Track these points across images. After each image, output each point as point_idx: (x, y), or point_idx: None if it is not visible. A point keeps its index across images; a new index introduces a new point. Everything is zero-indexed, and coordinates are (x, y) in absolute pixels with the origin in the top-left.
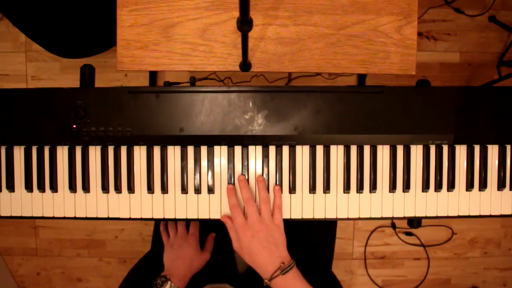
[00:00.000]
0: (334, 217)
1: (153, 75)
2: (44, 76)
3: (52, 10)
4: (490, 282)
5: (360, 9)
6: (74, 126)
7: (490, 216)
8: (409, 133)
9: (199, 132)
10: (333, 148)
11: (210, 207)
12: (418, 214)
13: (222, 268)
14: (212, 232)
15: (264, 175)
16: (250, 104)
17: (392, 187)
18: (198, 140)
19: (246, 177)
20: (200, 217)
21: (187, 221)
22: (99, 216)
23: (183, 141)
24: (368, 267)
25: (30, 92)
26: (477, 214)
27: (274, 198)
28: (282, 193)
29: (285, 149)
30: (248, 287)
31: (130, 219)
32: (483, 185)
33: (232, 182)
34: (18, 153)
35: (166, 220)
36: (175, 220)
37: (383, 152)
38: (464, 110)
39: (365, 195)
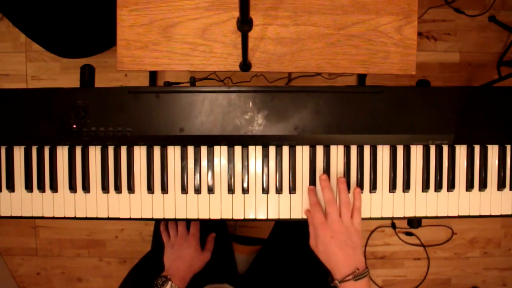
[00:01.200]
0: (359, 192)
1: (153, 75)
2: (44, 76)
3: (52, 10)
4: (490, 282)
5: (360, 9)
6: (74, 126)
7: (490, 216)
8: (409, 133)
9: (199, 132)
10: (333, 148)
11: (210, 207)
12: (418, 214)
13: (222, 268)
14: (212, 232)
15: (264, 175)
16: (250, 104)
17: (392, 187)
18: (198, 140)
19: (247, 177)
20: (200, 217)
21: (188, 221)
22: (99, 216)
23: (183, 141)
24: (368, 267)
25: (30, 92)
26: (477, 214)
27: (354, 200)
28: (362, 193)
29: (285, 149)
30: (248, 287)
31: (130, 219)
32: (483, 185)
33: (233, 183)
34: (18, 153)
35: (166, 220)
36: (175, 220)
37: (383, 152)
38: (464, 110)
39: (365, 195)
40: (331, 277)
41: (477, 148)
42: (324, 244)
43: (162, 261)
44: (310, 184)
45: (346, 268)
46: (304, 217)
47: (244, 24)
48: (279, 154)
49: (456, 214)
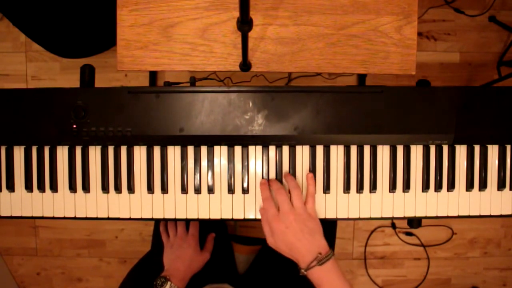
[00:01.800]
0: (334, 217)
1: (153, 75)
2: (44, 76)
3: (52, 10)
4: (490, 282)
5: (360, 9)
6: (74, 126)
7: (490, 216)
8: (409, 133)
9: (199, 132)
10: (333, 148)
11: (210, 207)
12: (418, 214)
13: (222, 268)
14: (212, 232)
15: (264, 175)
16: (250, 104)
17: (392, 187)
18: (198, 140)
19: (247, 177)
20: (200, 217)
21: (187, 222)
22: (99, 216)
23: (183, 141)
24: (368, 267)
25: (30, 92)
26: (477, 214)
27: (307, 186)
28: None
29: (285, 149)
30: (248, 287)
31: (130, 219)
32: (483, 185)
33: (233, 183)
34: (18, 153)
35: (166, 220)
36: (175, 220)
37: (383, 152)
38: (464, 110)
39: (365, 195)
40: (298, 267)
41: (477, 148)
42: (281, 237)
43: (162, 261)
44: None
45: (308, 255)
46: None
47: (244, 24)
48: (279, 154)
49: (456, 214)
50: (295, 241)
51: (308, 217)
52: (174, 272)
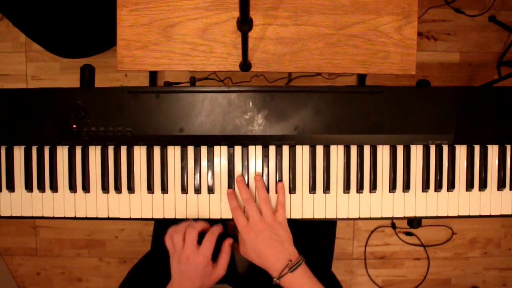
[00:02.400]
0: (334, 217)
1: (153, 75)
2: (44, 76)
3: (52, 10)
4: (490, 282)
5: (360, 9)
6: (74, 126)
7: (490, 216)
8: (409, 133)
9: (199, 132)
10: (333, 148)
11: (210, 207)
12: (418, 214)
13: None
14: (229, 237)
15: (264, 175)
16: (250, 104)
17: (392, 187)
18: (198, 140)
19: (246, 178)
20: (200, 217)
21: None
22: (99, 216)
23: (183, 141)
24: (368, 267)
25: (30, 92)
26: (477, 214)
27: (277, 195)
28: (285, 190)
29: (285, 149)
30: (247, 287)
31: (130, 219)
32: (483, 185)
33: (232, 184)
34: (18, 153)
35: (166, 220)
36: (174, 220)
37: (383, 152)
38: (464, 110)
39: (365, 195)
40: (271, 277)
41: (477, 148)
42: (252, 246)
43: (162, 262)
44: (309, 187)
45: (279, 263)
46: (305, 216)
47: (244, 24)
48: (279, 154)
49: (456, 214)
50: (265, 249)
51: (278, 225)
52: None
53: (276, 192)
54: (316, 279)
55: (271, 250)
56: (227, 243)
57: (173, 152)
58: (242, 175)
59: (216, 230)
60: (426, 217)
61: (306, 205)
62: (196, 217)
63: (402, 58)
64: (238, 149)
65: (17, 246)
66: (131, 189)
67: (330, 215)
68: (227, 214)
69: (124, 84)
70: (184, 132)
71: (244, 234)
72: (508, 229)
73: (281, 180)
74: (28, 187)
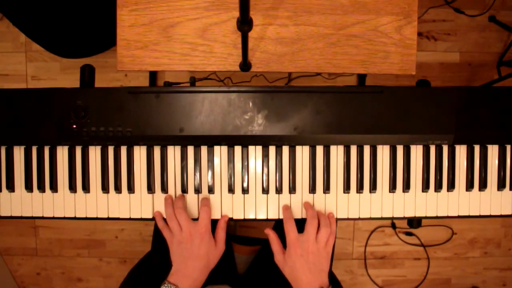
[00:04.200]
0: (334, 217)
1: (153, 75)
2: (44, 76)
3: (52, 10)
4: (490, 282)
5: (360, 9)
6: (74, 126)
7: (490, 216)
8: (409, 133)
9: (199, 132)
10: (333, 148)
11: (211, 207)
12: (418, 214)
13: (222, 269)
14: (225, 215)
15: (264, 175)
16: (250, 104)
17: (392, 187)
18: (198, 140)
19: (247, 177)
20: None
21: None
22: (99, 216)
23: (183, 141)
24: (368, 267)
25: (30, 92)
26: (477, 214)
27: (331, 224)
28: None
29: (285, 149)
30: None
31: (130, 219)
32: (483, 185)
33: (233, 183)
34: (18, 153)
35: (166, 220)
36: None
37: (383, 152)
38: (464, 110)
39: (365, 195)
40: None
41: (477, 148)
42: (293, 261)
43: (163, 262)
44: (309, 187)
45: (309, 286)
46: (305, 216)
47: (244, 24)
48: (279, 154)
49: (456, 214)
50: (304, 271)
51: (325, 255)
52: (185, 278)
53: (329, 221)
54: None
55: (308, 273)
56: (222, 220)
57: (173, 152)
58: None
59: (205, 200)
60: (426, 217)
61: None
62: (196, 217)
63: (402, 58)
64: (238, 149)
65: (17, 246)
66: (131, 189)
67: None
68: (227, 214)
69: (124, 84)
70: (184, 132)
71: (291, 247)
72: (508, 229)
73: (279, 183)
74: (28, 187)
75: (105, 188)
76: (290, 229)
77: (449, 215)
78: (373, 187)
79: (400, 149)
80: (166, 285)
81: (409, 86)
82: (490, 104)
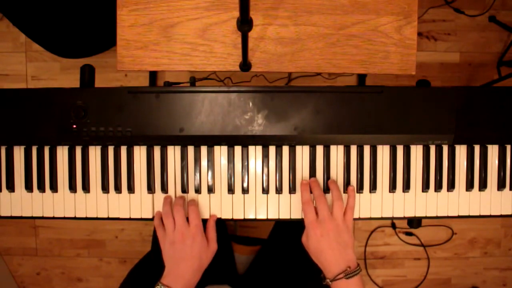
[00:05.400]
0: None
1: (153, 75)
2: (44, 76)
3: (52, 10)
4: (490, 282)
5: (360, 9)
6: (74, 126)
7: (490, 216)
8: (409, 133)
9: (199, 132)
10: (333, 148)
11: (210, 207)
12: (418, 214)
13: (222, 269)
14: (213, 214)
15: (264, 175)
16: (250, 104)
17: (392, 187)
18: (198, 140)
19: (247, 177)
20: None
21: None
22: (99, 216)
23: (183, 141)
24: (368, 267)
25: (30, 92)
26: (477, 214)
27: (348, 198)
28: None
29: (285, 149)
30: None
31: (130, 219)
32: (483, 185)
33: (233, 183)
34: (18, 153)
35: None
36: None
37: (383, 152)
38: (464, 110)
39: (365, 195)
40: (323, 276)
41: (477, 148)
42: (315, 242)
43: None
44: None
45: (337, 266)
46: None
47: (244, 24)
48: (279, 154)
49: (456, 214)
50: (328, 250)
51: (345, 229)
52: (178, 278)
53: (347, 195)
54: None
55: (333, 252)
56: (211, 219)
57: (173, 152)
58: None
59: (191, 201)
60: (426, 217)
61: None
62: None
63: (402, 58)
64: (238, 149)
65: (17, 246)
66: (131, 189)
67: None
68: (227, 214)
69: (124, 84)
70: (184, 132)
71: (311, 229)
72: (508, 229)
73: (279, 183)
74: (28, 187)
75: (105, 188)
76: (309, 212)
77: (449, 215)
78: (373, 187)
79: (400, 149)
80: (159, 286)
81: (409, 86)
82: (490, 104)
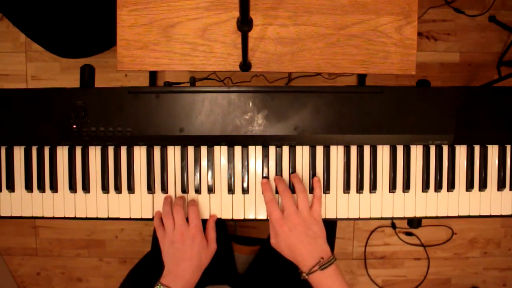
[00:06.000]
0: (334, 217)
1: (153, 75)
2: (44, 76)
3: (52, 10)
4: (490, 282)
5: (360, 9)
6: (74, 126)
7: (490, 216)
8: (409, 133)
9: (199, 132)
10: (333, 148)
11: (210, 207)
12: (418, 214)
13: (222, 269)
14: (213, 214)
15: (264, 175)
16: (250, 104)
17: (392, 187)
18: (198, 140)
19: (247, 177)
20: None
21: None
22: (99, 216)
23: (183, 141)
24: (368, 267)
25: (30, 92)
26: (477, 214)
27: (314, 190)
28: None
29: (285, 149)
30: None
31: (130, 219)
32: (483, 185)
33: (233, 183)
34: (18, 153)
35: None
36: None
37: (383, 152)
38: (464, 110)
39: (365, 195)
40: (300, 271)
41: (477, 148)
42: (284, 239)
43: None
44: (309, 187)
45: (311, 259)
46: None
47: (244, 24)
48: (279, 154)
49: (456, 214)
50: (298, 244)
51: (313, 221)
52: (178, 278)
53: (313, 186)
54: (345, 281)
55: (304, 245)
56: (211, 219)
57: (173, 152)
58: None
59: (191, 201)
60: (426, 217)
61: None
62: None
63: (402, 58)
64: (238, 149)
65: (17, 246)
66: (131, 189)
67: (330, 215)
68: (227, 214)
69: (124, 84)
70: (184, 132)
71: (278, 227)
72: (508, 229)
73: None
74: (28, 187)
75: (105, 188)
76: (274, 210)
77: (449, 215)
78: (373, 187)
79: (400, 149)
80: (158, 286)
81: (409, 86)
82: (490, 104)
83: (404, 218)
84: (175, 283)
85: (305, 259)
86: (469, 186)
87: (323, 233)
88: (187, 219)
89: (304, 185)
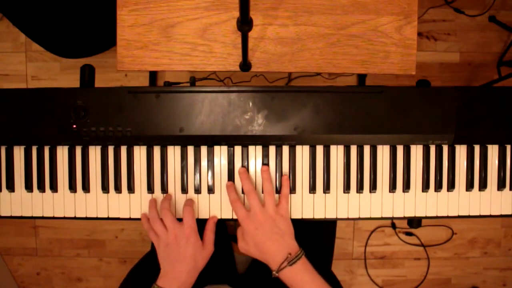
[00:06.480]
0: (334, 217)
1: (153, 75)
2: (44, 76)
3: (52, 10)
4: (490, 282)
5: (360, 9)
6: (74, 126)
7: (490, 216)
8: (409, 133)
9: (199, 132)
10: (333, 148)
11: (210, 207)
12: (418, 214)
13: (222, 269)
14: (213, 216)
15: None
16: (250, 104)
17: (392, 187)
18: (198, 140)
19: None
20: (200, 217)
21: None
22: (99, 216)
23: (183, 141)
24: (368, 267)
25: (30, 92)
26: (477, 214)
27: (282, 188)
28: (290, 182)
29: (285, 149)
30: (247, 287)
31: (130, 219)
32: (483, 185)
33: (232, 180)
34: (18, 153)
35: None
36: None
37: (383, 152)
38: (464, 110)
39: (365, 195)
40: (270, 270)
41: (477, 148)
42: (251, 238)
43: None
44: (309, 187)
45: (279, 256)
46: (305, 216)
47: (244, 24)
48: (279, 154)
49: (456, 214)
50: (266, 241)
51: (279, 218)
52: (173, 281)
53: (281, 185)
54: (317, 273)
55: (271, 242)
56: (211, 221)
57: (173, 152)
58: (244, 166)
59: (188, 200)
60: (426, 217)
61: (306, 205)
62: (196, 217)
63: (402, 58)
64: (238, 149)
65: (17, 246)
66: (131, 189)
67: (330, 215)
68: (227, 214)
69: (124, 84)
70: (184, 132)
71: (244, 225)
72: (508, 229)
73: (279, 183)
74: (28, 187)
75: (105, 188)
76: (238, 210)
77: (449, 215)
78: (373, 187)
79: (400, 149)
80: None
81: (409, 86)
82: (490, 104)
83: (404, 218)
84: (171, 284)
85: (273, 256)
86: (469, 186)
87: (291, 230)
88: (180, 219)
89: (271, 184)
